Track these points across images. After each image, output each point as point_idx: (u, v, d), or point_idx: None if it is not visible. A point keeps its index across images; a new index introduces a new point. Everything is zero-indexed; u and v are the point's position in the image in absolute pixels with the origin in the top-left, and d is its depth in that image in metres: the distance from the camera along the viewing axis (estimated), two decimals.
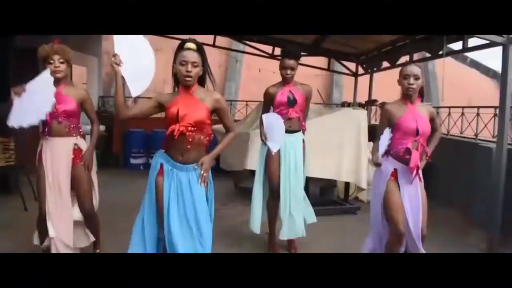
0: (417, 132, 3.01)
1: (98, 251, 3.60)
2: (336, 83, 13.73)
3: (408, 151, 2.99)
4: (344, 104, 8.58)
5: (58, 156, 3.20)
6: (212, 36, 8.10)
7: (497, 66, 3.88)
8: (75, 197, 3.34)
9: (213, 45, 8.12)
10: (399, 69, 7.42)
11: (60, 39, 3.22)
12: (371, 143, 6.40)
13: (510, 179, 4.22)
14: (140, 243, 2.66)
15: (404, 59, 6.86)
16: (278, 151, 3.87)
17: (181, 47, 2.63)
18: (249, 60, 11.29)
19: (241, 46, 9.55)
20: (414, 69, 3.06)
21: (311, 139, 5.24)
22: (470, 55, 13.81)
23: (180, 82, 2.62)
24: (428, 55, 6.63)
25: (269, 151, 3.89)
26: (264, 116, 3.84)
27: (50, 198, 3.17)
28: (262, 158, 4.02)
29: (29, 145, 6.69)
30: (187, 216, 2.55)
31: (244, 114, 9.05)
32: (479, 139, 5.38)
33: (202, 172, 2.57)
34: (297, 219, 3.91)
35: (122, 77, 2.60)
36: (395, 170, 3.04)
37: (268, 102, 3.96)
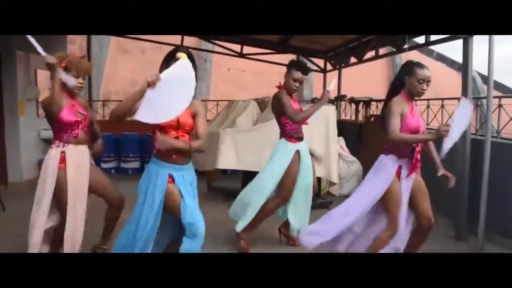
0: (418, 129, 3.05)
1: (105, 247, 3.73)
2: (306, 80, 13.81)
3: (412, 148, 3.05)
4: (314, 101, 8.67)
5: (84, 163, 3.37)
6: (179, 36, 8.07)
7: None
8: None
9: (181, 46, 8.08)
10: (366, 64, 7.51)
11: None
12: (341, 138, 6.53)
13: (474, 167, 4.36)
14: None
15: (370, 54, 6.98)
16: (299, 156, 4.00)
17: (172, 57, 2.72)
18: (218, 59, 11.30)
19: (209, 46, 9.53)
20: (428, 73, 3.03)
21: None
22: (437, 49, 14.17)
23: None
24: (393, 49, 6.78)
25: (294, 156, 3.97)
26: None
27: (78, 203, 3.32)
28: (283, 160, 3.99)
29: None
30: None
31: (215, 113, 9.04)
32: None
33: None
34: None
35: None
36: (400, 167, 3.07)
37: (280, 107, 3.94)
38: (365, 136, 7.14)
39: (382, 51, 6.96)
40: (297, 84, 3.93)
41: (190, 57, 2.73)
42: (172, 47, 2.89)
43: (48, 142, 7.34)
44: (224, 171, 7.02)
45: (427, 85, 3.01)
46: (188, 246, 2.77)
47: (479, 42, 4.37)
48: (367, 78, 12.09)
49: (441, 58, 14.87)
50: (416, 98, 3.11)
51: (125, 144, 8.24)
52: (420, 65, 3.06)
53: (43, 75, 7.40)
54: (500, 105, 4.64)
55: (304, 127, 4.07)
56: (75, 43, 11.33)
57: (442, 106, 5.75)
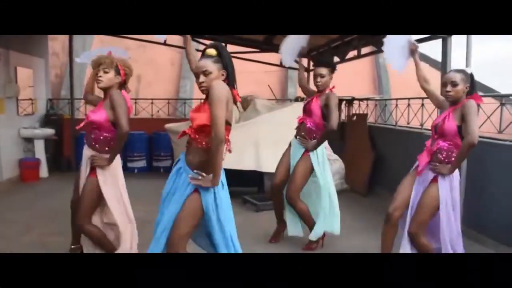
0: (435, 130, 3.07)
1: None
2: (290, 79, 13.89)
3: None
4: (298, 99, 8.71)
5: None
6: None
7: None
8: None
9: (165, 44, 8.05)
10: (349, 63, 7.54)
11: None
12: None
13: None
14: None
15: (352, 53, 7.03)
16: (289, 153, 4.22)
17: (203, 54, 2.64)
18: None
19: (194, 44, 9.48)
20: (451, 75, 3.01)
21: (263, 135, 5.28)
22: (420, 49, 14.27)
23: None
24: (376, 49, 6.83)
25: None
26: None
27: None
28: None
29: None
30: None
31: None
32: (424, 129, 5.59)
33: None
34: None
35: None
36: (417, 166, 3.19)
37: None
38: (347, 135, 7.19)
39: (365, 50, 7.01)
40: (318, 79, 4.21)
41: (222, 51, 2.60)
42: (156, 45, 2.87)
43: (28, 141, 7.27)
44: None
45: (452, 86, 2.98)
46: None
47: (461, 44, 4.45)
48: (350, 77, 12.17)
49: (424, 58, 15.02)
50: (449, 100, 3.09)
51: None
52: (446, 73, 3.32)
53: (23, 73, 7.30)
54: (477, 105, 4.70)
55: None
56: (57, 40, 11.20)
57: (422, 105, 5.83)
